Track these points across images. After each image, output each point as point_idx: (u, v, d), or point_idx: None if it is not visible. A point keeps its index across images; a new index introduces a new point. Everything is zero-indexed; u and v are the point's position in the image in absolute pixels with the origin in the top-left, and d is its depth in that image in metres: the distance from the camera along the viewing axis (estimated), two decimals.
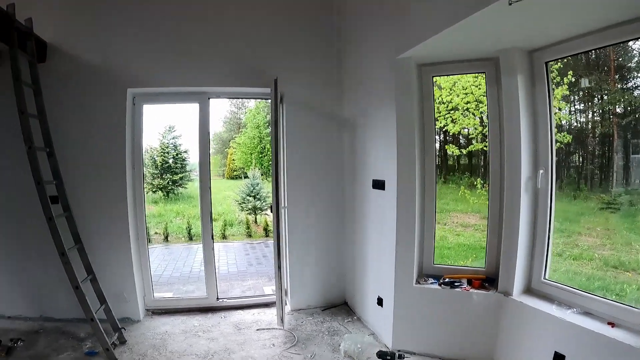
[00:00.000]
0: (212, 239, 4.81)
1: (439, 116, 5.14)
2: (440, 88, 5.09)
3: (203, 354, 3.69)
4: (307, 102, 4.57)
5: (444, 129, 5.48)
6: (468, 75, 4.98)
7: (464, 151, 5.85)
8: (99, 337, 3.58)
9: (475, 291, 3.27)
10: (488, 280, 3.37)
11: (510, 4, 2.13)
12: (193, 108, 4.67)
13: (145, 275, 4.69)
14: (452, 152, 6.21)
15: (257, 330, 4.18)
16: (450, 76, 4.92)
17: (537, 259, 3.11)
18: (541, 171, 2.99)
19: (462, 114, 5.27)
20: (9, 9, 3.48)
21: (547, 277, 3.09)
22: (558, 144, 3.64)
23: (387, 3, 3.58)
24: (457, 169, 6.77)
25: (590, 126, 4.02)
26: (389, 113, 3.54)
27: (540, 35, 2.80)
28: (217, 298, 4.83)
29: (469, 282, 3.37)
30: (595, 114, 4.02)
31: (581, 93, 3.97)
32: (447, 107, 5.19)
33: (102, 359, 3.61)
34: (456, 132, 5.56)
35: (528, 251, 3.14)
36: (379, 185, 3.81)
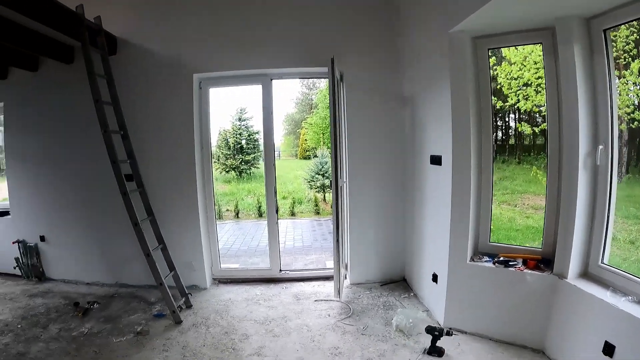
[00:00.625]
0: (277, 213, 5.01)
1: (510, 93, 4.96)
2: (510, 63, 4.89)
3: (261, 320, 3.93)
4: (366, 80, 4.60)
5: (515, 106, 5.27)
6: (538, 47, 4.73)
7: (536, 130, 5.60)
8: (167, 300, 3.93)
9: (530, 272, 3.19)
10: (544, 262, 3.27)
11: None
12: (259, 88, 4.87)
13: (213, 247, 5.01)
14: (523, 131, 5.98)
15: (315, 301, 4.35)
16: (521, 50, 4.72)
17: (595, 241, 2.95)
18: (601, 147, 2.83)
19: (535, 89, 5.05)
20: (78, 10, 3.84)
21: (605, 262, 2.93)
22: (637, 123, 3.44)
23: None
24: (533, 148, 6.53)
25: None
26: (444, 88, 3.50)
27: (596, 1, 2.61)
28: (280, 270, 5.06)
29: (524, 262, 3.29)
30: None
31: None
32: (519, 82, 4.99)
33: (169, 320, 3.96)
34: (528, 109, 5.34)
35: (586, 232, 2.99)
36: (436, 160, 3.79)
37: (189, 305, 4.29)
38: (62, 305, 4.41)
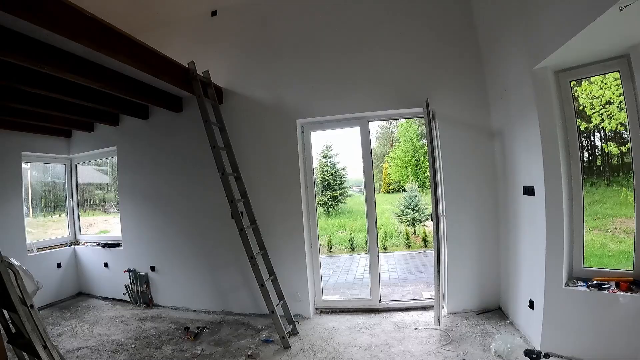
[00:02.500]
0: (377, 246, 5.31)
1: (593, 113, 4.98)
2: (590, 82, 4.94)
3: (366, 346, 4.20)
4: (457, 117, 4.85)
5: (600, 126, 5.25)
6: None
7: (623, 149, 5.47)
8: (277, 326, 4.30)
9: (622, 293, 3.26)
10: (636, 283, 3.34)
11: (620, 10, 2.34)
12: (350, 130, 5.30)
13: (317, 279, 5.39)
14: (610, 151, 5.84)
15: (415, 329, 4.56)
16: None
17: None
18: None
19: (617, 106, 5.00)
20: (190, 65, 4.50)
21: None
22: None
23: (519, 16, 3.79)
24: (621, 168, 6.34)
25: None
26: (532, 121, 3.73)
27: None
28: (380, 300, 5.30)
29: (617, 285, 3.37)
30: None
31: None
32: (601, 101, 5.01)
33: (277, 345, 4.32)
34: (613, 128, 5.29)
35: None
36: (528, 191, 3.97)
37: (295, 333, 4.64)
38: (172, 329, 4.91)
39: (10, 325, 2.88)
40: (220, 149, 4.59)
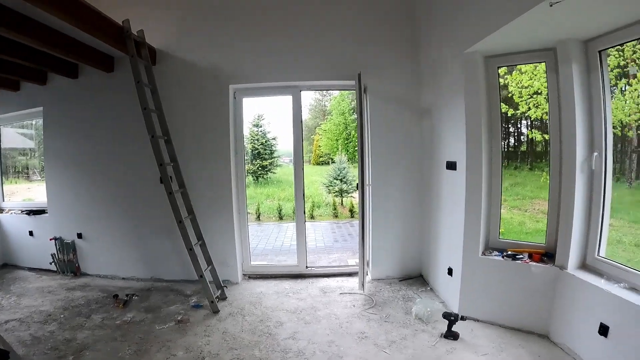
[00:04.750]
0: (304, 214, 5.44)
1: (521, 101, 5.23)
2: (521, 72, 5.18)
3: (293, 310, 4.34)
4: (388, 92, 5.01)
5: (526, 114, 5.54)
6: None
7: (546, 137, 5.84)
8: (206, 291, 4.35)
9: (534, 264, 3.57)
10: (547, 255, 3.66)
11: (551, 5, 2.50)
12: (281, 98, 5.33)
13: (244, 245, 5.45)
14: (534, 138, 6.22)
15: (341, 294, 4.75)
16: None
17: (592, 236, 3.34)
18: (595, 154, 3.23)
19: (545, 98, 5.30)
20: (125, 24, 4.29)
21: (601, 255, 3.30)
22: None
23: (455, 3, 3.97)
24: (544, 155, 6.77)
25: None
26: (459, 102, 3.93)
27: (592, 26, 2.99)
28: (307, 266, 5.47)
29: (530, 256, 3.68)
30: None
31: None
32: (529, 91, 5.28)
33: (206, 310, 4.37)
34: (538, 117, 5.63)
35: (583, 229, 3.37)
36: (451, 166, 4.20)
37: (224, 298, 4.69)
38: (101, 298, 4.81)
39: None
40: (151, 111, 4.47)
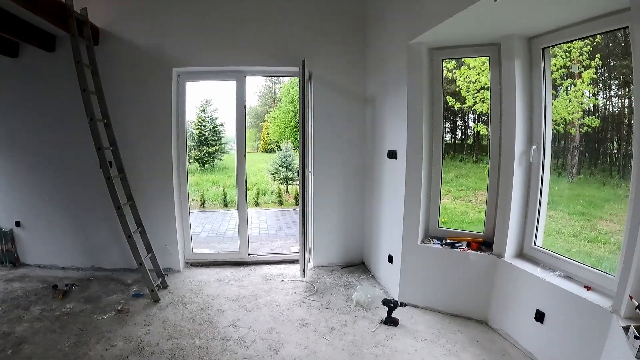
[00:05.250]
0: (246, 201, 5.37)
1: (468, 95, 5.32)
2: (469, 67, 5.27)
3: (234, 297, 4.29)
4: (333, 80, 4.99)
5: (473, 108, 5.65)
6: None
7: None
8: (146, 279, 4.23)
9: (472, 252, 3.68)
10: (485, 244, 3.77)
11: (495, 0, 2.51)
12: (229, 84, 5.18)
13: (186, 232, 5.31)
14: (480, 131, 6.39)
15: (282, 281, 4.74)
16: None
17: (529, 226, 3.46)
18: (534, 147, 3.34)
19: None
20: (67, 1, 4.03)
21: (538, 244, 3.43)
22: (586, 128, 3.87)
23: None
24: (489, 148, 6.96)
25: (623, 111, 3.81)
26: (402, 92, 3.96)
27: (536, 23, 3.07)
28: (249, 254, 5.42)
29: (468, 245, 3.78)
30: (625, 99, 3.80)
31: (609, 76, 3.85)
32: (477, 86, 5.38)
33: (147, 299, 4.26)
34: (485, 111, 5.76)
35: (521, 219, 3.50)
36: (392, 155, 4.25)
37: (165, 286, 4.58)
38: (40, 289, 4.58)
39: None
40: (91, 92, 4.24)
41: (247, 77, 5.12)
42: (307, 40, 4.89)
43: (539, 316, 3.03)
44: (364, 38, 4.95)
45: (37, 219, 5.25)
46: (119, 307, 4.06)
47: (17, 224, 5.27)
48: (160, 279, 4.59)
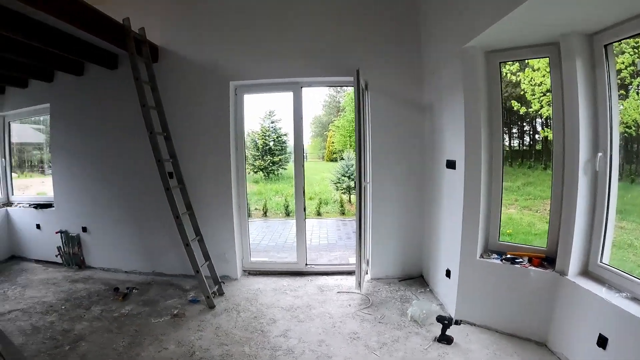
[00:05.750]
0: (304, 211, 5.39)
1: (533, 99, 5.10)
2: (533, 69, 5.03)
3: (288, 307, 4.31)
4: (389, 89, 4.91)
5: (539, 112, 5.40)
6: None
7: None
8: (202, 286, 4.35)
9: (534, 268, 3.45)
10: (548, 260, 3.52)
11: None
12: (291, 95, 5.23)
13: (244, 241, 5.42)
14: (547, 136, 6.05)
15: (338, 292, 4.70)
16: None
17: (595, 242, 3.18)
18: (600, 154, 3.08)
19: None
20: (125, 22, 4.31)
21: (605, 262, 3.13)
22: None
23: None
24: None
25: None
26: (459, 98, 3.81)
27: (596, 19, 2.82)
28: (306, 264, 5.43)
29: (529, 260, 3.56)
30: None
31: None
32: (542, 89, 5.13)
33: (203, 305, 4.38)
34: (551, 116, 5.48)
35: (586, 233, 3.22)
36: (451, 165, 4.09)
37: (221, 293, 4.69)
38: (102, 290, 4.89)
39: None
40: (151, 107, 4.46)
41: (303, 89, 5.17)
42: (360, 49, 4.86)
43: (602, 341, 2.77)
44: (418, 44, 4.84)
45: (102, 225, 5.63)
46: (175, 312, 4.21)
47: (84, 229, 5.68)
48: (217, 286, 4.71)
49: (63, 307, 4.41)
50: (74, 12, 3.70)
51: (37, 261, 6.09)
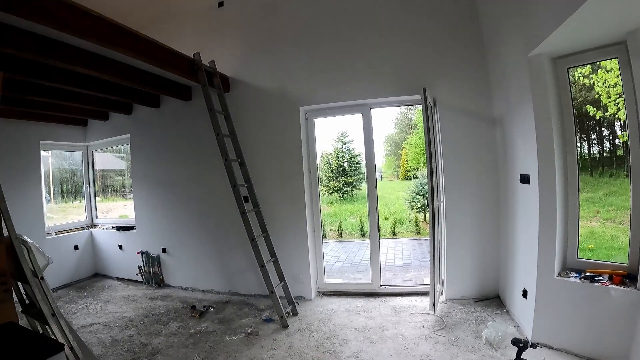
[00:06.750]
0: (379, 231, 5.43)
1: (609, 102, 4.89)
2: (606, 70, 4.84)
3: (361, 328, 4.34)
4: (457, 104, 4.88)
5: (616, 116, 5.14)
6: None
7: None
8: (276, 306, 4.51)
9: (614, 287, 3.25)
10: (630, 277, 3.31)
11: None
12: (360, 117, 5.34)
13: (319, 262, 5.55)
14: (627, 141, 5.68)
15: (412, 314, 4.68)
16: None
17: None
18: None
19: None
20: (196, 57, 4.69)
21: None
22: None
23: (517, 2, 3.72)
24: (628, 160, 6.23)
25: None
26: (528, 109, 3.70)
27: None
28: (380, 285, 5.44)
29: (610, 278, 3.36)
30: None
31: None
32: (617, 90, 4.90)
33: (276, 325, 4.54)
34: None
35: None
36: (524, 179, 3.97)
37: (295, 313, 4.83)
38: (180, 308, 5.21)
39: (25, 298, 3.17)
40: (225, 135, 4.77)
41: (372, 110, 5.27)
42: (426, 66, 4.89)
43: None
44: (483, 56, 4.77)
45: (180, 246, 6.03)
46: (249, 330, 4.39)
47: (164, 250, 6.12)
48: (290, 307, 4.85)
49: (142, 322, 4.76)
50: (150, 52, 4.12)
51: (119, 279, 6.67)
